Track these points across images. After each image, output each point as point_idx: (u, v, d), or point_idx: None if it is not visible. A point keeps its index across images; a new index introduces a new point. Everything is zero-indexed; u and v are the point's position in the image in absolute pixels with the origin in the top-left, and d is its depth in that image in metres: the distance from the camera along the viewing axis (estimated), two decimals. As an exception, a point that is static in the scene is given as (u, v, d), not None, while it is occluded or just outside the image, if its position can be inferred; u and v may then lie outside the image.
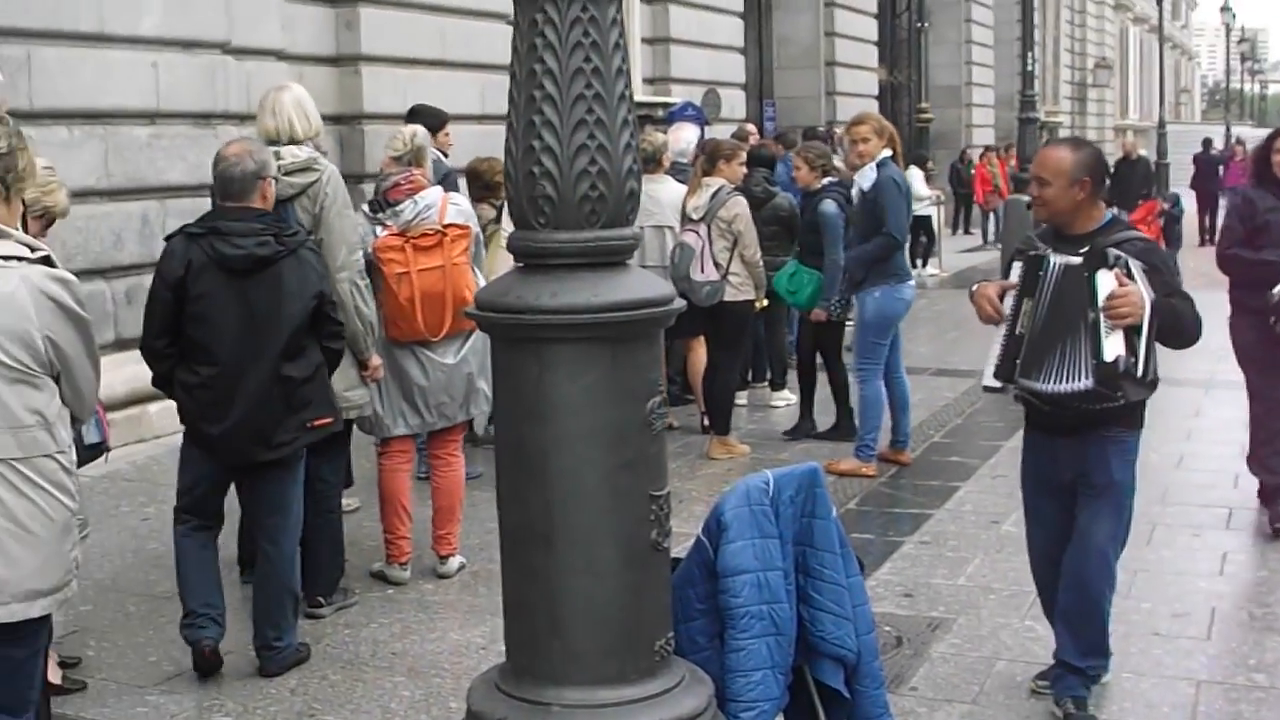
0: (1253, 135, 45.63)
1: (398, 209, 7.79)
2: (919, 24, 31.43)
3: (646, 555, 4.46)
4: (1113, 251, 5.74)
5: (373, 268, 7.73)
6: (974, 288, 6.12)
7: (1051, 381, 5.78)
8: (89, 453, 6.27)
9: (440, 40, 15.14)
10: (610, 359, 4.32)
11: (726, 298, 10.78)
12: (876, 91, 29.23)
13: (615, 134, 4.32)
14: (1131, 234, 6.16)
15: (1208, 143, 36.29)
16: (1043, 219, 6.12)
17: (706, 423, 11.37)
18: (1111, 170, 25.40)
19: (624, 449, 4.35)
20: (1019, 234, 21.97)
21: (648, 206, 11.36)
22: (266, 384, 6.46)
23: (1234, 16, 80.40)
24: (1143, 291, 5.63)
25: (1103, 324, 5.63)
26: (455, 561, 8.06)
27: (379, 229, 7.80)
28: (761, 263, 11.01)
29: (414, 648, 7.02)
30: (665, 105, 18.87)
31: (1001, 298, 5.99)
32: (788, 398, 12.71)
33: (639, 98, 18.84)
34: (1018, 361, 5.86)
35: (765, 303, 11.42)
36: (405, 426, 7.97)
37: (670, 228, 11.25)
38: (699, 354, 11.55)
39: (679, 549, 5.25)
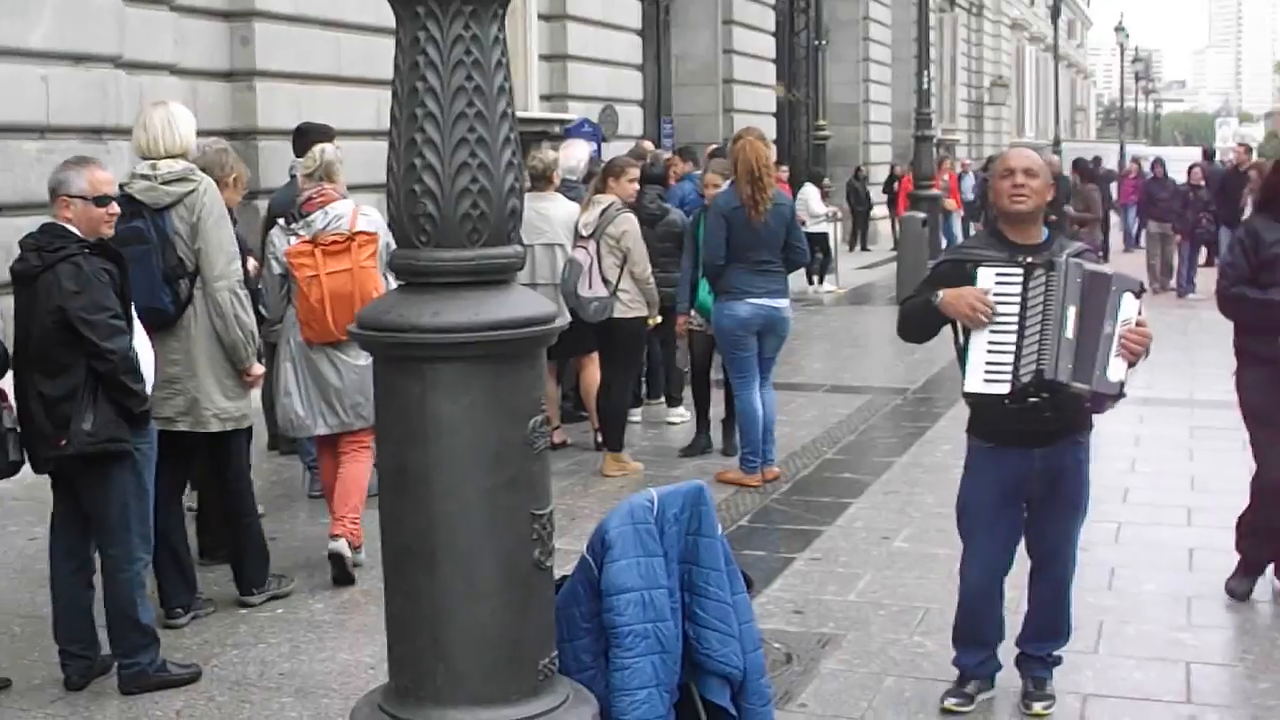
0: (1146, 153, 46.16)
1: (310, 220, 8.16)
2: (817, 42, 31.63)
3: (529, 574, 4.46)
4: (1140, 281, 6.05)
5: (289, 275, 8.15)
6: (942, 296, 6.01)
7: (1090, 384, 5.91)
8: (10, 468, 6.45)
9: (336, 55, 15.04)
10: (492, 378, 4.33)
11: (616, 314, 10.79)
12: (774, 109, 29.30)
13: (497, 152, 4.33)
14: (1081, 245, 6.33)
15: (1097, 161, 36.70)
16: (1026, 210, 6.03)
17: (600, 440, 11.35)
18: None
19: (505, 468, 4.36)
20: (913, 250, 22.29)
21: (537, 224, 11.36)
22: (32, 399, 6.46)
23: (1128, 36, 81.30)
24: None
25: (1114, 344, 5.87)
26: (347, 547, 8.09)
27: (292, 239, 8.19)
28: (652, 280, 11.01)
29: (303, 668, 6.95)
30: (563, 122, 18.86)
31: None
32: (683, 414, 12.70)
33: (537, 114, 18.84)
34: (1070, 366, 5.85)
35: (659, 319, 11.41)
36: (325, 426, 8.28)
37: (560, 245, 11.22)
38: (592, 371, 11.53)
39: (571, 567, 5.25)
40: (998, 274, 5.95)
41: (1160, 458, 11.58)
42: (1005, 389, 5.91)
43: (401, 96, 4.36)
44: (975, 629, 6.44)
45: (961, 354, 6.03)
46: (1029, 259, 5.95)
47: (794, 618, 7.57)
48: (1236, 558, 7.89)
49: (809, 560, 8.60)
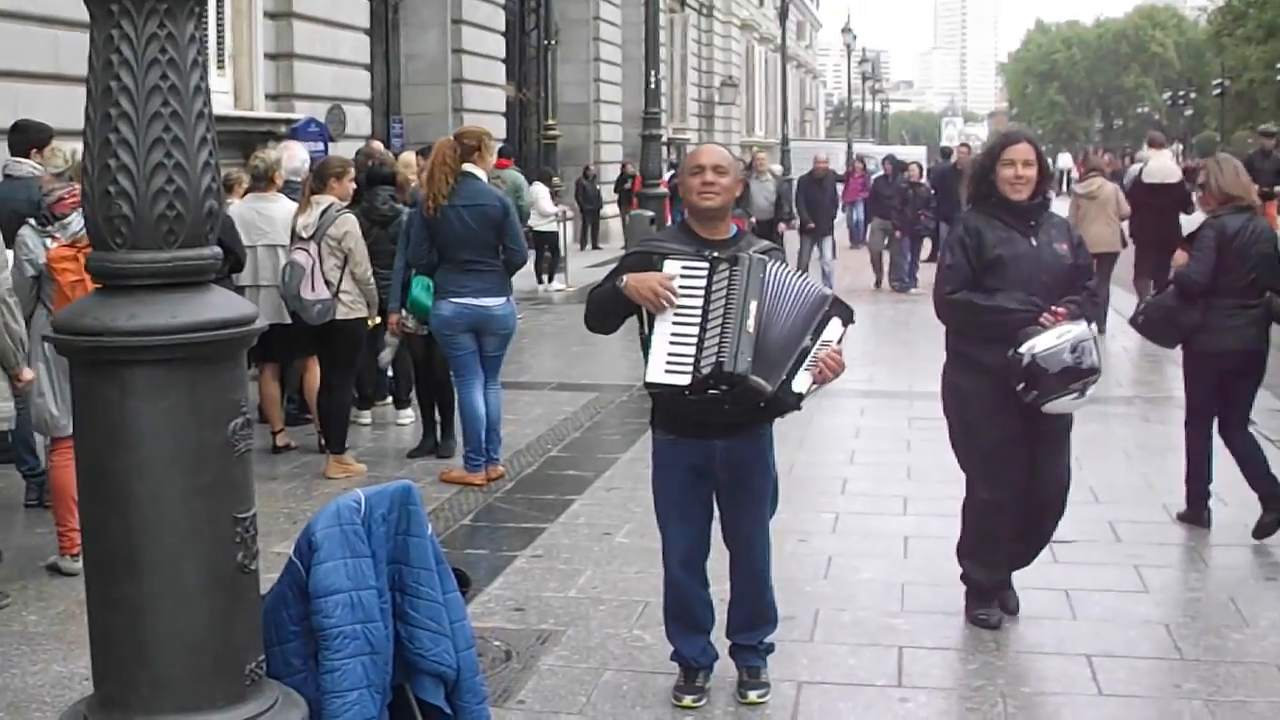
0: (873, 152, 47.12)
1: (65, 222, 8.13)
2: (547, 42, 31.71)
3: (233, 578, 4.41)
4: (851, 310, 6.15)
5: (46, 278, 8.14)
6: (626, 280, 6.05)
7: (770, 383, 5.97)
8: None
9: (54, 53, 14.68)
10: (190, 381, 4.27)
11: (338, 316, 10.74)
12: (504, 108, 29.31)
13: (193, 152, 4.28)
14: (767, 243, 6.43)
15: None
16: (713, 207, 6.16)
17: (323, 442, 11.26)
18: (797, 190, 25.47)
19: (206, 472, 4.30)
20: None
21: (259, 225, 11.28)
22: None
23: (855, 38, 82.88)
24: None
25: (808, 359, 5.99)
26: None
27: (49, 241, 8.17)
28: (373, 280, 10.97)
29: (15, 681, 6.78)
30: (289, 122, 18.66)
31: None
32: (411, 415, 12.69)
33: (263, 114, 18.62)
34: (750, 359, 5.91)
35: (378, 320, 11.35)
36: None
37: (283, 246, 11.13)
38: (315, 373, 11.45)
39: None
40: (683, 266, 6.03)
41: (879, 449, 11.86)
42: (686, 380, 5.98)
43: (95, 96, 4.29)
44: (687, 615, 6.52)
45: (646, 344, 6.10)
46: (715, 253, 6.05)
47: (514, 615, 7.60)
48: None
49: (530, 558, 8.64)
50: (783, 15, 57.61)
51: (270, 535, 8.39)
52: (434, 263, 10.40)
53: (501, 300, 10.52)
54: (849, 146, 62.10)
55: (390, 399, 13.31)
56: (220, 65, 18.25)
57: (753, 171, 24.84)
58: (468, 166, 10.36)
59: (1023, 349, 6.97)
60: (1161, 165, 19.49)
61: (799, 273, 6.24)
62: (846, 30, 79.40)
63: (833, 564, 8.48)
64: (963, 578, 7.61)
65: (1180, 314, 9.09)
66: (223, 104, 17.81)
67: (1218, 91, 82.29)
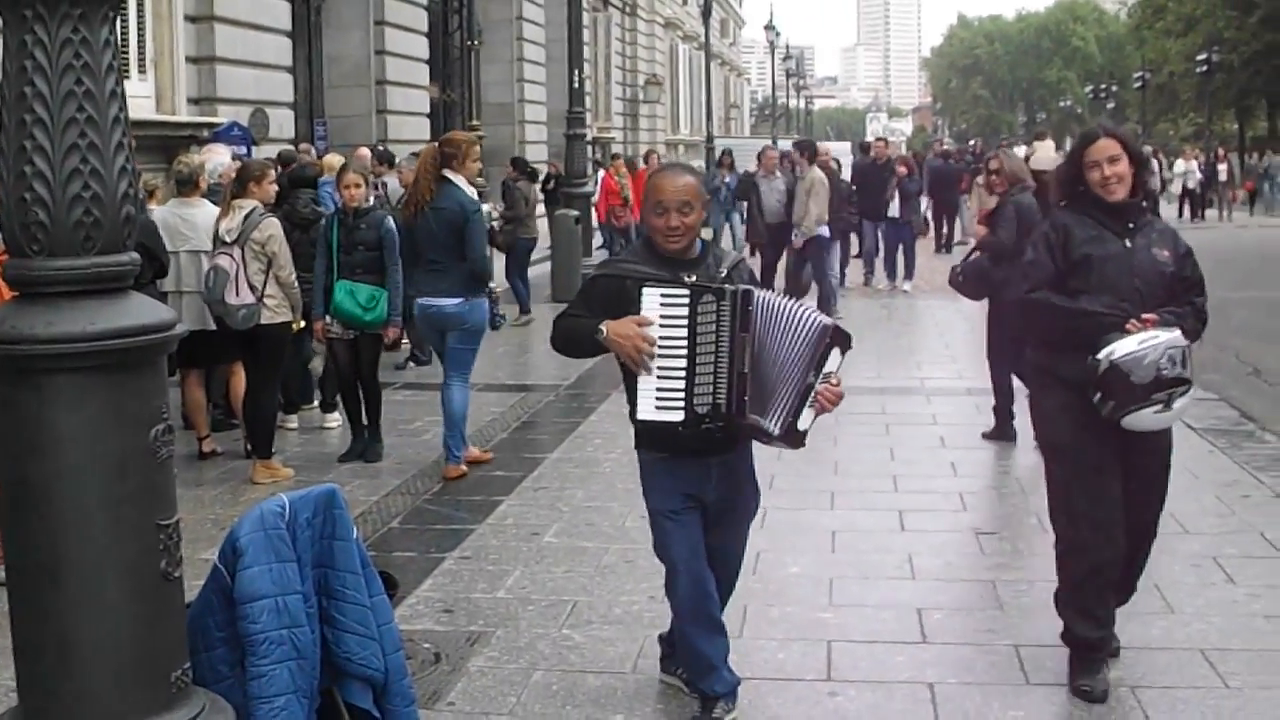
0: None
1: None
2: (470, 43, 31.64)
3: (156, 586, 4.40)
4: (849, 336, 5.87)
5: None
6: (607, 332, 5.78)
7: (769, 420, 5.83)
8: None
9: None
10: (110, 387, 4.26)
11: (263, 320, 10.70)
12: (428, 109, 29.22)
13: (110, 158, 4.26)
14: (739, 258, 6.28)
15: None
16: (681, 248, 5.94)
17: (250, 447, 11.19)
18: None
19: (128, 479, 4.28)
20: (566, 247, 22.47)
21: (182, 230, 11.23)
22: None
23: (779, 34, 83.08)
24: None
25: (811, 396, 5.80)
26: None
27: None
28: (297, 284, 10.93)
29: (-62, 695, 6.72)
30: (211, 126, 18.57)
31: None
32: (339, 419, 12.64)
33: (185, 118, 18.50)
34: (746, 399, 5.75)
35: (303, 324, 11.30)
36: None
37: (207, 251, 11.07)
38: (241, 378, 11.39)
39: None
40: (663, 295, 5.79)
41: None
42: (679, 416, 5.80)
43: (9, 102, 4.26)
44: (704, 611, 6.24)
45: (628, 375, 5.91)
46: (693, 278, 5.87)
47: (443, 617, 7.59)
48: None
49: (459, 559, 8.62)
50: (706, 13, 57.64)
51: (198, 541, 8.35)
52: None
53: (458, 300, 10.71)
54: (774, 142, 62.14)
55: (317, 403, 13.25)
56: (142, 69, 18.12)
57: (761, 170, 24.37)
58: (445, 172, 10.70)
59: (1101, 354, 6.25)
60: (1044, 154, 20.02)
61: (789, 299, 5.94)
62: (770, 27, 79.62)
63: (760, 559, 8.46)
64: (1063, 635, 6.74)
65: (991, 273, 11.30)
66: (144, 108, 17.70)
67: (1139, 84, 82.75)
